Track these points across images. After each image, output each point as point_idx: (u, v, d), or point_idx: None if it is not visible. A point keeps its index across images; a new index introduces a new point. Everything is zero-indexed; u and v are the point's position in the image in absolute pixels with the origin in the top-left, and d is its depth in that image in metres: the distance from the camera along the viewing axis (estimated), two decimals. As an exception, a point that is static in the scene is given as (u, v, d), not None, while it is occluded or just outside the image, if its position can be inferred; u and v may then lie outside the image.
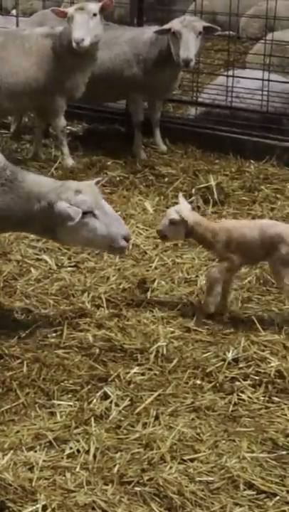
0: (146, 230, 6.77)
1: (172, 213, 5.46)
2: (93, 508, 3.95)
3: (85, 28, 7.59)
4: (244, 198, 7.60)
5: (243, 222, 5.84)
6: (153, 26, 8.72)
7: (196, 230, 5.44)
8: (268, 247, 5.36)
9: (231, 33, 12.45)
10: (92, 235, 5.13)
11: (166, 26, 8.06)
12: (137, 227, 6.82)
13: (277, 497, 4.06)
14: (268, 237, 5.36)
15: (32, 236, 6.67)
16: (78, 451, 4.33)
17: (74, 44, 7.60)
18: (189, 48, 7.88)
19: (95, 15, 7.67)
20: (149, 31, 8.51)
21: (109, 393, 4.74)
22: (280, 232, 5.37)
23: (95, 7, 7.70)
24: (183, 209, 5.48)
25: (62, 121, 8.23)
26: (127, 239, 5.24)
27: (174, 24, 7.97)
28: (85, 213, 5.05)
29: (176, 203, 5.73)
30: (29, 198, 5.11)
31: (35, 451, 4.32)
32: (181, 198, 5.65)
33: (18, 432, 4.48)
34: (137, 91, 8.58)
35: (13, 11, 14.53)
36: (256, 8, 12.60)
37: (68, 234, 5.12)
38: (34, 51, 7.93)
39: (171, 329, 5.41)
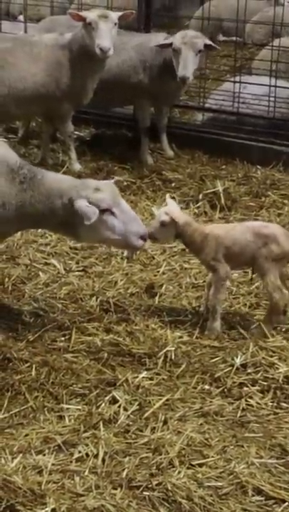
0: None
1: (162, 215, 5.45)
2: (102, 512, 3.96)
3: (110, 37, 7.62)
4: (251, 203, 7.62)
5: (230, 227, 5.76)
6: (160, 33, 8.75)
7: (186, 230, 5.43)
8: (261, 246, 5.36)
9: (237, 39, 12.51)
10: (110, 233, 5.17)
11: (167, 41, 8.09)
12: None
13: (286, 503, 4.07)
14: (262, 237, 5.37)
15: (41, 240, 6.72)
16: (87, 455, 4.34)
17: (98, 51, 7.60)
18: (187, 66, 7.90)
19: (115, 24, 7.70)
20: (156, 38, 8.50)
21: (118, 397, 4.75)
22: (273, 232, 5.40)
23: (116, 16, 7.74)
24: (173, 210, 5.47)
25: (69, 127, 8.25)
26: (144, 238, 5.26)
27: (175, 40, 8.00)
28: (103, 211, 5.09)
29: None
30: (49, 195, 5.16)
31: (44, 455, 4.34)
32: (168, 200, 5.62)
33: (27, 435, 4.49)
34: (143, 97, 8.60)
35: (20, 17, 14.60)
36: (262, 14, 12.63)
37: (87, 231, 5.14)
38: (42, 57, 7.95)
39: (179, 334, 5.42)
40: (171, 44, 8.00)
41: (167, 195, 5.80)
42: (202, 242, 5.43)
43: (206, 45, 8.10)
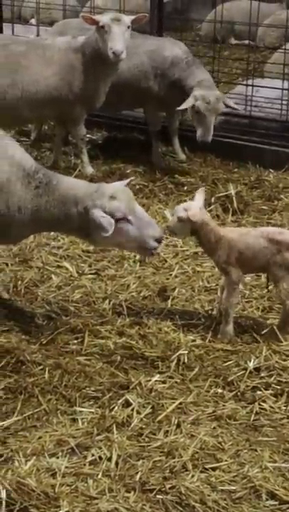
0: (166, 238, 6.76)
1: (180, 210, 5.45)
2: (115, 515, 3.97)
3: (123, 40, 7.59)
4: (263, 207, 7.61)
5: (244, 231, 5.66)
6: (176, 42, 8.69)
7: (202, 229, 5.42)
8: (275, 253, 5.35)
9: (251, 42, 12.53)
10: (125, 240, 5.22)
11: (189, 103, 7.96)
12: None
13: (300, 507, 4.06)
14: (276, 244, 5.36)
15: (53, 243, 6.73)
16: (100, 458, 4.34)
17: (111, 55, 7.59)
18: (210, 132, 8.01)
19: (128, 27, 7.70)
20: (172, 49, 8.45)
21: (131, 401, 4.75)
22: (287, 239, 5.37)
23: (129, 19, 7.72)
24: (191, 207, 5.46)
25: (82, 130, 8.26)
26: (159, 240, 5.30)
27: (200, 105, 7.93)
28: (118, 220, 5.11)
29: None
30: (65, 202, 5.19)
31: (58, 458, 4.34)
32: (197, 195, 5.56)
33: (40, 438, 4.50)
34: (153, 102, 8.58)
35: (32, 20, 14.65)
36: (274, 18, 12.64)
37: (103, 237, 5.14)
38: (55, 60, 7.95)
39: (192, 337, 5.42)
40: (193, 107, 7.96)
41: (200, 189, 5.65)
42: (216, 244, 5.42)
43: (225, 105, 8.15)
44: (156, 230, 5.26)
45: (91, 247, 6.64)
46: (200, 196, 5.52)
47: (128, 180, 5.66)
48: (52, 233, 6.87)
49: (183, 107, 7.94)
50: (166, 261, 6.51)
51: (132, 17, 7.80)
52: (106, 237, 5.08)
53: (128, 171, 8.33)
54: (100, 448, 4.40)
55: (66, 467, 4.26)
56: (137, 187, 7.88)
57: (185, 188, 8.02)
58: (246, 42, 13.31)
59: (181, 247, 6.69)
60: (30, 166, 5.27)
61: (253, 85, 9.15)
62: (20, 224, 5.24)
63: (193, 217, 5.36)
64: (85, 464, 4.30)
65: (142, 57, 8.43)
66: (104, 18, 7.70)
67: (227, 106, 8.11)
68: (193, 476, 4.22)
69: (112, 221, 5.05)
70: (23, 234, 5.47)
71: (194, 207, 5.45)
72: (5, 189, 5.16)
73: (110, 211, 5.10)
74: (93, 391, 4.88)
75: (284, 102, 8.90)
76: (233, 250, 5.39)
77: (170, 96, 8.42)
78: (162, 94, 8.46)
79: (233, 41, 13.97)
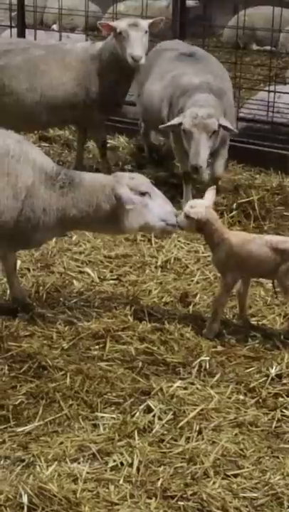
0: (188, 243, 6.78)
1: (186, 207, 5.46)
2: (137, 522, 3.96)
3: (141, 46, 7.59)
4: (285, 213, 7.59)
5: (249, 238, 5.57)
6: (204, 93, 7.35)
7: (206, 228, 5.42)
8: (280, 262, 5.33)
9: (273, 48, 12.52)
10: (151, 216, 5.44)
11: (175, 121, 7.01)
12: (179, 241, 6.83)
13: None
14: (280, 253, 5.33)
15: (75, 248, 6.75)
16: (122, 463, 4.34)
17: (130, 60, 7.58)
18: (200, 152, 6.84)
19: (146, 32, 7.69)
20: (189, 80, 7.43)
21: (153, 407, 4.74)
22: None
23: (146, 24, 7.72)
24: (197, 204, 5.47)
25: (102, 135, 8.27)
26: (176, 215, 5.53)
27: (185, 121, 6.88)
28: (143, 194, 5.41)
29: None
30: (92, 192, 5.41)
31: (79, 463, 4.35)
32: (207, 193, 5.56)
33: (61, 443, 4.50)
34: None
35: (54, 26, 14.72)
36: (297, 24, 12.61)
37: (131, 218, 5.41)
38: (74, 66, 7.97)
39: (214, 343, 5.41)
40: (180, 124, 6.94)
41: (210, 188, 5.63)
42: (218, 245, 5.43)
43: (220, 126, 6.95)
44: (172, 207, 5.56)
45: (113, 253, 6.65)
46: (209, 195, 5.52)
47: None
48: (74, 238, 6.90)
49: (168, 124, 7.07)
50: (187, 267, 6.50)
51: (150, 21, 7.80)
52: (134, 216, 5.37)
53: (149, 176, 8.27)
54: (122, 454, 4.40)
55: (87, 473, 4.26)
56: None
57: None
58: (268, 48, 13.32)
59: (202, 252, 6.68)
60: (52, 168, 5.41)
61: (275, 91, 9.13)
62: (46, 226, 5.35)
63: (196, 215, 5.36)
64: (106, 470, 4.30)
65: (165, 82, 7.80)
66: (121, 24, 7.71)
67: (222, 127, 6.93)
68: (214, 483, 4.21)
69: (136, 196, 5.35)
70: (48, 236, 5.59)
71: (200, 205, 5.45)
72: (30, 193, 5.25)
73: (134, 187, 5.40)
74: (114, 397, 4.88)
75: (306, 108, 8.87)
76: (234, 255, 5.39)
77: None
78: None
79: (254, 47, 13.96)
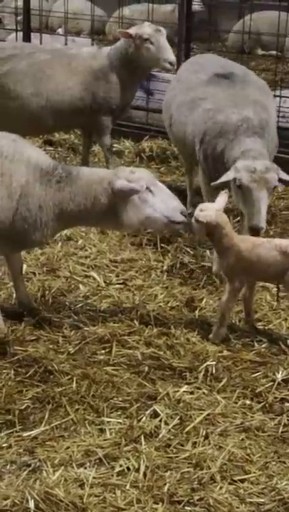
0: (194, 248, 6.77)
1: (196, 211, 5.43)
2: (144, 527, 3.96)
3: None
4: (291, 217, 7.59)
5: (258, 242, 5.50)
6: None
7: (216, 232, 5.38)
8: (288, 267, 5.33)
9: (278, 53, 12.52)
10: (151, 211, 5.29)
11: (227, 177, 5.94)
12: (185, 245, 6.82)
13: None
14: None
15: (80, 253, 6.74)
16: (128, 468, 4.32)
17: (167, 65, 7.77)
18: (261, 211, 5.82)
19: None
20: (222, 117, 6.48)
21: (159, 411, 4.73)
22: None
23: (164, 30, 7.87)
24: (207, 208, 5.43)
25: (108, 140, 8.27)
26: (184, 214, 5.35)
27: (242, 177, 5.85)
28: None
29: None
30: (90, 185, 5.29)
31: (86, 468, 4.33)
32: (219, 197, 5.49)
33: (68, 448, 4.49)
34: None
35: (59, 30, 14.75)
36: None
37: (129, 212, 5.28)
38: (80, 70, 7.98)
39: (220, 348, 5.40)
40: (234, 180, 5.93)
41: (222, 192, 5.53)
42: (227, 249, 5.41)
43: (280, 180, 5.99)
44: (179, 203, 5.37)
45: (118, 257, 6.65)
46: (221, 199, 5.47)
47: None
48: (79, 242, 6.91)
49: (221, 180, 5.95)
50: (193, 271, 6.48)
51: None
52: (132, 211, 5.24)
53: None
54: (128, 459, 4.38)
55: (94, 478, 4.25)
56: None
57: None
58: (273, 53, 13.33)
59: (208, 258, 6.66)
60: (48, 164, 5.34)
61: (280, 96, 9.12)
62: (44, 223, 5.28)
63: (204, 218, 5.34)
64: (112, 475, 4.29)
65: (199, 119, 6.79)
66: (147, 30, 7.77)
67: (281, 180, 6.00)
68: (221, 488, 4.20)
69: (135, 186, 5.19)
70: (48, 233, 5.44)
71: (210, 208, 5.42)
72: (24, 191, 5.20)
73: (133, 181, 5.24)
74: (121, 401, 4.87)
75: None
76: (242, 260, 5.37)
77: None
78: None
79: (259, 52, 13.97)
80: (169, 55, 7.77)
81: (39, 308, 5.83)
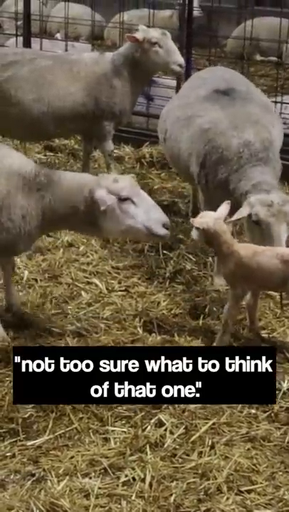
0: (197, 255, 6.73)
1: (197, 217, 5.41)
2: (151, 538, 3.92)
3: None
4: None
5: (259, 250, 5.39)
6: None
7: (214, 239, 5.35)
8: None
9: (277, 59, 12.52)
10: (132, 222, 5.18)
11: (241, 214, 5.56)
12: (187, 252, 6.78)
13: None
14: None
15: (82, 259, 6.69)
16: (134, 479, 4.29)
17: (177, 68, 7.79)
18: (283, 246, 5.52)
19: None
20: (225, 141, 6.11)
21: (164, 420, 4.69)
22: None
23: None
24: (206, 215, 5.40)
25: (110, 146, 8.22)
26: (166, 226, 5.26)
27: (259, 211, 5.53)
28: (123, 200, 5.15)
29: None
30: (70, 193, 5.20)
31: (91, 478, 4.30)
32: (221, 206, 5.41)
33: (72, 457, 4.45)
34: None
35: (58, 35, 14.72)
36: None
37: (110, 222, 5.18)
38: (82, 76, 7.93)
39: (224, 357, 5.35)
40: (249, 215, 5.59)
41: (226, 202, 5.43)
42: (227, 257, 5.37)
43: None
44: (163, 215, 5.26)
45: (120, 264, 6.61)
46: (222, 208, 5.42)
47: (131, 175, 5.58)
48: (81, 249, 6.87)
49: (235, 217, 5.58)
50: (197, 279, 6.44)
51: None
52: (113, 221, 5.14)
53: (156, 187, 8.31)
54: (134, 469, 4.35)
55: (99, 488, 4.22)
56: (166, 203, 7.84)
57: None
58: (272, 59, 13.32)
59: (210, 265, 6.62)
60: (30, 171, 5.24)
61: (282, 102, 9.11)
62: (28, 233, 5.21)
63: (200, 225, 5.31)
64: (118, 485, 4.25)
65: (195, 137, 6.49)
66: (154, 34, 7.77)
67: None
68: (228, 499, 4.16)
69: (113, 197, 5.10)
70: (34, 240, 5.42)
71: (208, 216, 5.39)
72: (6, 202, 5.13)
73: (114, 191, 5.14)
74: (125, 410, 4.82)
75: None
76: (243, 268, 5.33)
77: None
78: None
79: (258, 58, 13.95)
80: (178, 57, 7.80)
81: (41, 315, 5.78)
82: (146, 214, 5.19)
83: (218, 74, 7.16)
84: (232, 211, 5.54)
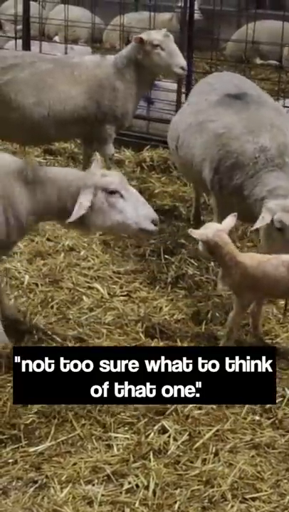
0: (199, 260, 6.69)
1: (196, 230, 5.38)
2: None
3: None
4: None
5: (264, 259, 5.34)
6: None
7: (216, 250, 5.31)
8: None
9: (277, 62, 12.50)
10: (120, 217, 5.10)
11: (262, 221, 5.45)
12: (189, 256, 6.74)
13: None
14: None
15: (83, 263, 6.65)
16: (137, 486, 4.26)
17: (179, 71, 7.75)
18: None
19: None
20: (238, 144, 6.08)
21: (167, 427, 4.66)
22: None
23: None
24: (210, 227, 5.37)
25: (110, 149, 8.19)
26: (155, 223, 5.19)
27: (284, 218, 5.44)
28: (112, 193, 5.07)
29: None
30: (59, 188, 5.10)
31: (94, 485, 4.27)
32: (227, 218, 5.38)
33: (75, 464, 4.42)
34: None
35: (56, 38, 14.69)
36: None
37: (97, 216, 5.08)
38: (84, 80, 7.89)
39: (227, 362, 5.32)
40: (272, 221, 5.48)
41: (232, 214, 5.38)
42: (231, 268, 5.32)
43: None
44: (151, 211, 5.19)
45: (122, 269, 6.57)
46: (228, 220, 5.39)
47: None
48: (82, 253, 6.83)
49: (257, 225, 5.47)
50: (199, 284, 6.40)
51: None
52: (100, 215, 5.05)
53: (156, 191, 8.27)
54: (137, 476, 4.31)
55: (102, 495, 4.19)
56: (166, 207, 7.81)
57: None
58: (272, 62, 13.30)
59: (212, 270, 6.59)
60: (20, 168, 5.17)
61: (283, 106, 9.05)
62: (23, 227, 5.17)
63: (200, 236, 5.28)
64: (121, 492, 4.22)
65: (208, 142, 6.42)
66: (157, 36, 7.74)
67: None
68: (232, 507, 4.13)
69: (88, 204, 4.99)
70: (26, 232, 5.39)
71: (210, 228, 5.36)
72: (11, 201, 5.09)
73: (102, 185, 5.07)
74: (128, 416, 4.79)
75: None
76: (249, 278, 5.29)
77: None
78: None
79: (258, 61, 13.93)
80: (180, 60, 7.75)
81: (42, 320, 5.74)
82: (135, 209, 5.12)
83: (226, 79, 7.11)
84: (245, 218, 5.52)
